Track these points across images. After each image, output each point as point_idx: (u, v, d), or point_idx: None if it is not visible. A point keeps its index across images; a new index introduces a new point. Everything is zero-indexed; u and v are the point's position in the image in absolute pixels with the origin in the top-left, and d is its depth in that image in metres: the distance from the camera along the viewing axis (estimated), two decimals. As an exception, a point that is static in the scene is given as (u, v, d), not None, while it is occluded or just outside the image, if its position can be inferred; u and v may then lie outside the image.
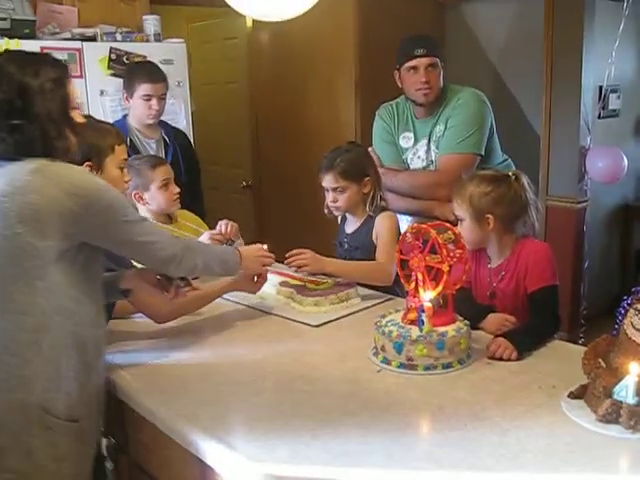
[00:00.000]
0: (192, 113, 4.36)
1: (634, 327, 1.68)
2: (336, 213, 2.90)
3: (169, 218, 2.95)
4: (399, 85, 3.15)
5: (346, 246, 2.90)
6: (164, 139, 3.54)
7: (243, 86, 5.15)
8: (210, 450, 1.64)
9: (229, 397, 1.88)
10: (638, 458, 1.55)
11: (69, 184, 1.72)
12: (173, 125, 3.73)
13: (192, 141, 3.98)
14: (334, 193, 2.79)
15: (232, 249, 2.36)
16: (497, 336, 2.11)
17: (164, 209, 2.89)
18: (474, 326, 2.19)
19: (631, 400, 1.62)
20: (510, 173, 2.38)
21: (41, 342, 1.72)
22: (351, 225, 2.90)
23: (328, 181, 2.79)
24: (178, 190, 2.89)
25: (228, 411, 1.80)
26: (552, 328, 2.25)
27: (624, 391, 1.63)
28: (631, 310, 1.69)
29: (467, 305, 2.27)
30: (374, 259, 2.68)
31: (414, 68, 3.04)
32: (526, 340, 2.10)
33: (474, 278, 2.41)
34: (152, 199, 2.84)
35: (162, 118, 3.53)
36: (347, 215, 2.92)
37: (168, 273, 2.08)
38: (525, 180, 2.36)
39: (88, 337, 1.82)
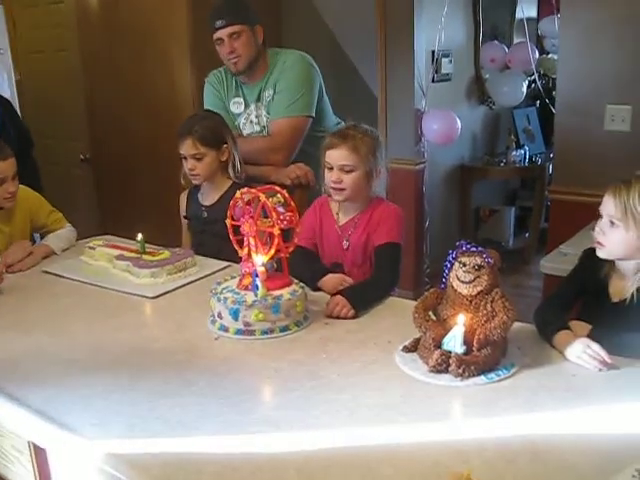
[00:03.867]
0: (17, 82, 4.11)
1: (459, 279, 1.73)
2: (195, 182, 2.83)
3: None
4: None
5: (205, 216, 2.84)
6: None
7: (74, 54, 4.91)
8: (44, 433, 1.57)
9: (63, 376, 1.80)
10: (467, 403, 1.61)
11: None
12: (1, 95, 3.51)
13: (20, 112, 3.76)
14: (192, 160, 2.74)
15: None
16: (335, 294, 2.13)
17: None
18: (313, 286, 2.23)
19: (459, 349, 1.68)
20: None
21: None
22: (210, 196, 2.85)
23: (187, 148, 2.73)
24: (13, 189, 2.70)
25: (62, 390, 1.71)
26: (389, 284, 2.31)
27: (452, 341, 1.69)
28: (456, 263, 1.74)
29: (306, 265, 2.31)
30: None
31: (219, 40, 3.01)
32: (363, 297, 2.14)
33: (320, 237, 2.46)
34: None
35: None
36: (204, 185, 2.86)
37: None
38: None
39: None
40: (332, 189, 2.36)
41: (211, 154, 2.75)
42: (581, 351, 1.70)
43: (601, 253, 1.87)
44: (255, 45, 3.05)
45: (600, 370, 1.67)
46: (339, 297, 2.10)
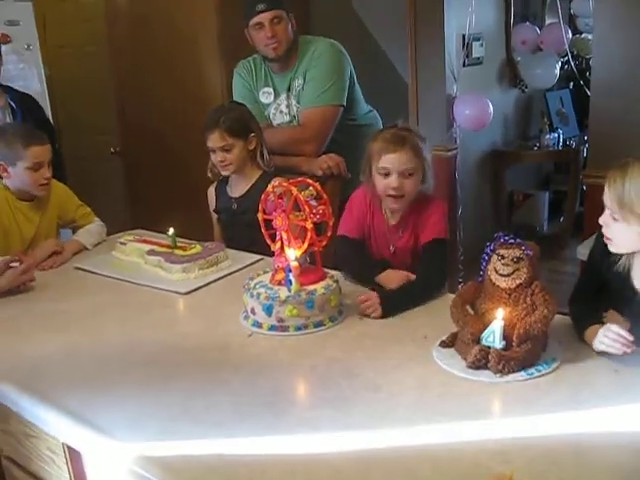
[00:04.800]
0: (47, 77, 4.12)
1: (497, 273, 1.69)
2: (225, 173, 2.81)
3: (32, 197, 2.76)
4: (251, 43, 3.07)
5: (235, 208, 2.82)
6: (10, 105, 3.33)
7: (103, 48, 4.91)
8: (77, 435, 1.56)
9: (96, 376, 1.78)
10: (507, 401, 1.57)
11: None
12: (22, 91, 3.51)
13: (49, 107, 3.76)
14: (221, 152, 2.73)
15: None
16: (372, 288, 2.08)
17: (27, 191, 2.73)
18: (370, 281, 2.18)
19: (498, 345, 1.64)
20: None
21: None
22: (239, 187, 2.83)
23: (214, 140, 2.72)
24: (49, 175, 2.71)
25: (95, 391, 1.70)
26: (436, 287, 2.17)
27: (491, 336, 1.65)
28: (494, 256, 1.70)
29: (359, 259, 2.28)
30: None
31: (259, 24, 2.97)
32: (399, 301, 2.06)
33: (369, 234, 2.34)
34: (16, 176, 2.67)
35: (10, 84, 3.32)
36: (232, 176, 2.84)
37: None
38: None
39: None
40: (390, 196, 2.21)
41: (239, 144, 2.74)
42: (602, 336, 1.63)
43: (611, 248, 1.73)
44: (292, 32, 3.03)
45: (625, 353, 1.60)
46: (372, 294, 2.04)
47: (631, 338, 1.59)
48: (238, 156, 2.74)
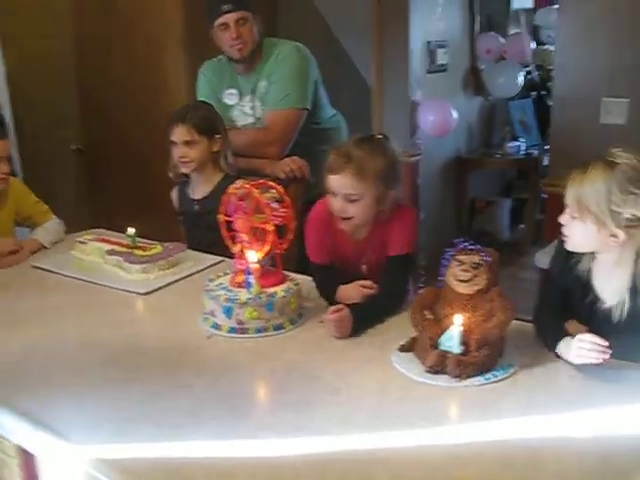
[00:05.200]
0: (6, 71, 4.04)
1: (457, 278, 1.70)
2: (185, 170, 2.78)
3: None
4: (216, 43, 3.05)
5: (196, 210, 2.80)
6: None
7: (66, 42, 4.84)
8: (32, 437, 1.54)
9: (52, 377, 1.76)
10: (464, 405, 1.59)
11: None
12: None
13: (9, 101, 3.68)
14: (184, 147, 2.70)
15: None
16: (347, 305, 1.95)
17: None
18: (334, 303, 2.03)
19: (456, 349, 1.65)
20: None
21: None
22: (200, 189, 2.81)
23: (179, 133, 2.69)
24: (7, 170, 2.67)
25: (52, 393, 1.67)
26: (397, 304, 2.05)
27: (450, 341, 1.66)
28: (453, 262, 1.71)
29: (323, 282, 2.17)
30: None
31: (224, 25, 2.94)
32: (368, 321, 1.96)
33: (335, 255, 2.20)
34: None
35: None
36: (193, 178, 2.81)
37: None
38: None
39: None
40: (338, 218, 2.08)
41: (203, 142, 2.72)
42: (578, 349, 1.62)
43: (568, 246, 1.74)
44: (257, 33, 3.02)
45: (604, 360, 1.58)
46: (345, 314, 1.89)
47: (606, 343, 1.58)
48: (200, 155, 2.72)
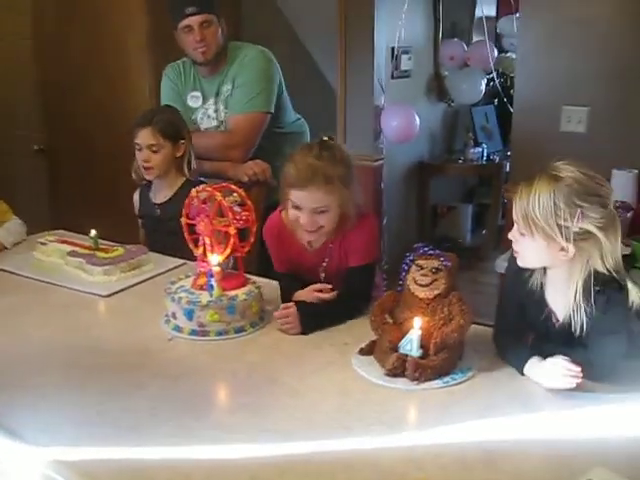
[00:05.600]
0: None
1: (416, 283, 1.72)
2: (148, 176, 2.76)
3: None
4: (180, 45, 3.04)
5: (157, 214, 2.78)
6: None
7: (25, 40, 4.77)
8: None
9: (10, 378, 1.75)
10: (422, 408, 1.61)
11: None
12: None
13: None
14: (148, 151, 2.68)
15: None
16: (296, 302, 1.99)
17: None
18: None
19: (415, 353, 1.67)
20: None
21: None
22: (161, 193, 2.79)
23: (144, 136, 2.67)
24: None
25: (9, 393, 1.66)
26: (358, 310, 2.04)
27: (409, 345, 1.68)
28: (413, 266, 1.73)
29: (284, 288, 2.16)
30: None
31: (188, 27, 2.93)
32: (319, 318, 1.98)
33: (295, 265, 2.19)
34: None
35: None
36: (155, 182, 2.80)
37: None
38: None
39: None
40: (305, 231, 2.05)
41: (167, 147, 2.70)
42: (551, 373, 1.60)
43: (519, 262, 1.71)
44: (222, 36, 3.01)
45: (578, 385, 1.57)
46: (292, 311, 1.94)
47: (578, 369, 1.57)
48: (163, 160, 2.71)
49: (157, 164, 2.71)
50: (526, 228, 1.62)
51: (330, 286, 2.06)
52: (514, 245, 1.71)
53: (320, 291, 2.06)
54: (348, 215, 2.05)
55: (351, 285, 2.09)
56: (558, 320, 1.71)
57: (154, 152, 2.68)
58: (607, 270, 1.61)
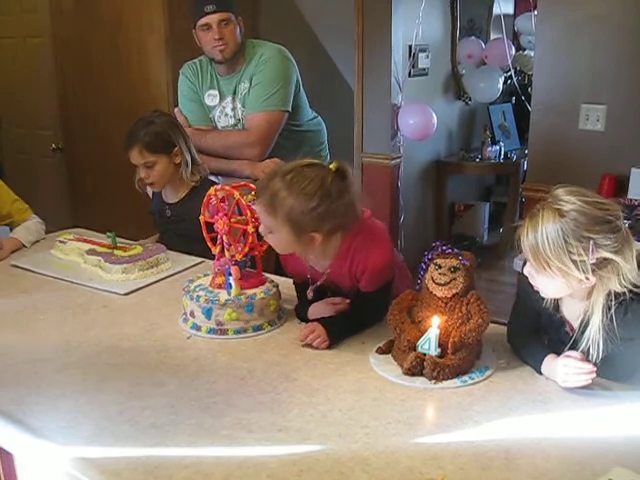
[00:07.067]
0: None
1: (434, 281, 1.72)
2: (154, 189, 2.77)
3: None
4: (198, 44, 3.06)
5: (168, 215, 2.78)
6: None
7: (46, 42, 4.83)
8: (9, 436, 1.53)
9: (30, 376, 1.76)
10: (441, 407, 1.60)
11: None
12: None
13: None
14: (144, 169, 2.64)
15: None
16: (317, 320, 1.93)
17: None
18: (304, 320, 2.02)
19: (433, 352, 1.67)
20: (332, 167, 1.85)
21: None
22: (173, 194, 2.77)
23: (134, 157, 2.63)
24: None
25: (29, 391, 1.67)
26: (377, 320, 1.97)
27: (427, 344, 1.68)
28: (431, 265, 1.73)
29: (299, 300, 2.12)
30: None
31: (206, 25, 2.95)
32: (343, 330, 1.92)
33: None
34: None
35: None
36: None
37: None
38: (349, 172, 1.90)
39: None
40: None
41: (162, 160, 2.64)
42: (564, 374, 1.60)
43: (542, 295, 1.67)
44: (240, 35, 3.02)
45: (593, 381, 1.58)
46: (316, 325, 1.88)
47: (590, 365, 1.57)
48: (162, 173, 2.66)
49: (156, 179, 2.68)
50: (539, 267, 1.57)
51: (348, 300, 2.01)
52: (531, 281, 1.65)
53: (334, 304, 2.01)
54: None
55: (368, 303, 1.98)
56: (573, 330, 1.69)
57: (149, 168, 2.64)
58: (625, 286, 1.57)
